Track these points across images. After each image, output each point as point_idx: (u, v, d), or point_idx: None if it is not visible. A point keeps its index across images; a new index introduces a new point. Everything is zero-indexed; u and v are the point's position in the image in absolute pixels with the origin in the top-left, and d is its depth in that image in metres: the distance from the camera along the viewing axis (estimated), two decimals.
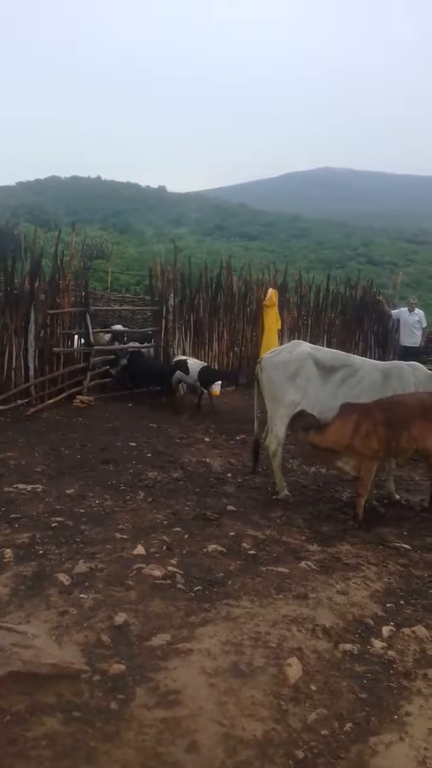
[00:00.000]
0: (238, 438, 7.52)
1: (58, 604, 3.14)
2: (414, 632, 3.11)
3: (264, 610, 3.21)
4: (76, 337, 9.33)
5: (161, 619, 3.07)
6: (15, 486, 5.08)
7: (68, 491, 5.07)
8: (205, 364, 9.77)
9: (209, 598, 3.34)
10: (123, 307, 13.56)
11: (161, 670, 2.63)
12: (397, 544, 4.44)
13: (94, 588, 3.34)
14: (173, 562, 3.75)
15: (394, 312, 12.83)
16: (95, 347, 9.35)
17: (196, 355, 10.72)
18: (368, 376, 5.49)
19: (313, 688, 2.62)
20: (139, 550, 3.87)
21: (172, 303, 10.48)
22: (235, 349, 11.51)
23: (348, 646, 2.95)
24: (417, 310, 12.10)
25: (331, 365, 5.50)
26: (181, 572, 3.61)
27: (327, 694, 2.60)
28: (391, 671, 2.81)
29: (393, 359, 10.64)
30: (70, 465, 5.92)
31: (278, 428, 5.43)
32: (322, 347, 6.31)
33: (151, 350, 10.41)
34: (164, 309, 10.36)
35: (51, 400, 8.44)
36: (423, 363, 6.29)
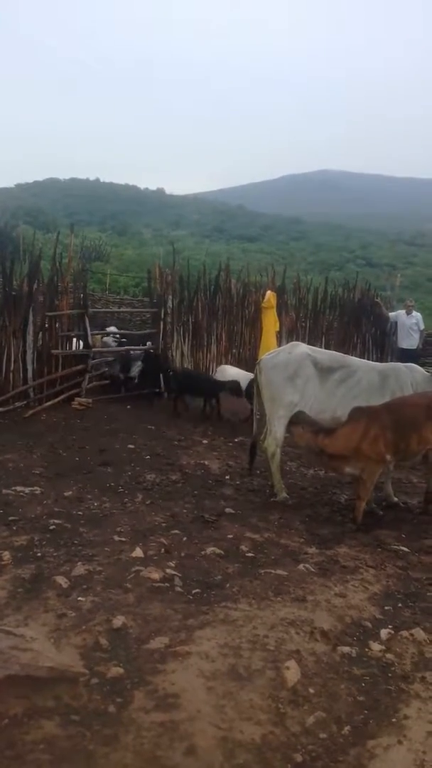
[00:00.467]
0: (236, 440, 7.52)
1: (56, 607, 3.14)
2: (412, 635, 3.11)
3: (262, 613, 3.21)
4: (74, 339, 9.32)
5: (159, 621, 3.07)
6: (13, 488, 5.07)
7: (66, 493, 5.06)
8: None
9: (207, 600, 3.34)
10: (121, 309, 13.57)
11: (159, 674, 2.63)
12: (396, 547, 4.44)
13: (93, 591, 3.34)
14: (171, 564, 3.75)
15: (391, 315, 12.85)
16: (94, 350, 9.33)
17: (193, 357, 10.71)
18: (366, 377, 5.51)
19: (311, 691, 2.62)
20: (138, 552, 3.86)
21: (171, 305, 10.48)
22: (234, 351, 11.51)
23: (346, 649, 2.95)
24: (414, 313, 12.12)
25: (329, 366, 5.52)
26: (180, 575, 3.60)
27: (325, 697, 2.59)
28: (390, 674, 2.81)
29: (391, 362, 10.65)
30: (68, 467, 5.92)
31: (277, 429, 5.43)
32: (320, 348, 6.33)
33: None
34: (163, 311, 10.36)
35: (49, 402, 8.42)
36: (421, 366, 6.31)
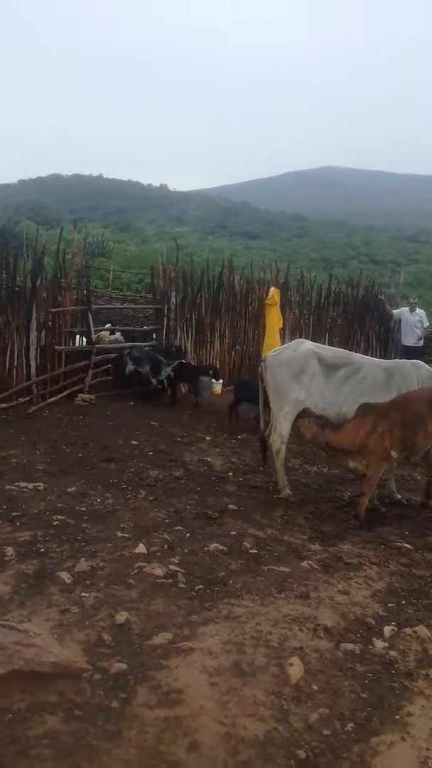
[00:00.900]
0: (239, 437, 7.52)
1: (59, 603, 3.14)
2: (416, 632, 3.11)
3: (265, 610, 3.21)
4: (77, 335, 9.32)
5: (162, 617, 3.07)
6: (16, 484, 5.07)
7: (70, 489, 5.06)
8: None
9: (211, 597, 3.34)
10: (124, 306, 13.55)
11: (162, 669, 2.63)
12: (399, 544, 4.44)
13: (96, 586, 3.34)
14: (175, 560, 3.75)
15: (395, 312, 12.82)
16: (97, 346, 9.33)
17: (196, 354, 10.69)
18: (371, 373, 5.50)
19: (314, 687, 2.62)
20: (141, 548, 3.86)
21: (174, 301, 10.46)
22: (237, 347, 11.50)
23: (349, 646, 2.95)
24: (418, 310, 12.09)
25: (334, 363, 5.51)
26: (183, 571, 3.61)
27: (328, 694, 2.59)
28: (393, 671, 2.80)
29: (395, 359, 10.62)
30: (71, 463, 5.92)
31: (282, 426, 5.42)
32: (325, 345, 6.32)
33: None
34: (166, 307, 10.35)
35: (52, 398, 8.43)
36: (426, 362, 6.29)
